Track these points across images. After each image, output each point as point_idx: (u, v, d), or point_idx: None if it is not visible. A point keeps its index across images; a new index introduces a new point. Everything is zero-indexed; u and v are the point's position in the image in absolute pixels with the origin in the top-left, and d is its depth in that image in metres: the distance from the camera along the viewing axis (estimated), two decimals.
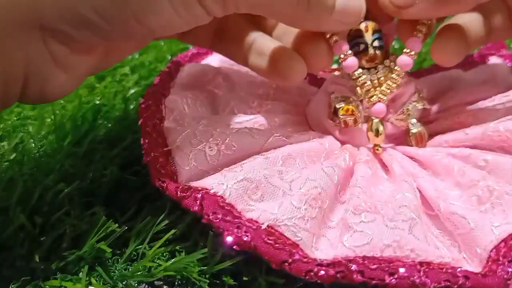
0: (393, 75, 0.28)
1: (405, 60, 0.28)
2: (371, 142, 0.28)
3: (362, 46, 0.29)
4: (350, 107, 0.29)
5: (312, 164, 0.27)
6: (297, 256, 0.21)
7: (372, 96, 0.28)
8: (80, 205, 0.27)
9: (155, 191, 0.25)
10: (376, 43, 0.29)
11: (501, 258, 0.22)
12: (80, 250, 0.23)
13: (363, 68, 0.29)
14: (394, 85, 0.28)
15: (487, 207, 0.24)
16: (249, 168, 0.25)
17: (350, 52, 0.28)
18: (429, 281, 0.21)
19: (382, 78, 0.29)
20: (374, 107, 0.28)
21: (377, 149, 0.28)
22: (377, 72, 0.29)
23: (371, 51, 0.29)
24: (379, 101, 0.28)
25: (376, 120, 0.28)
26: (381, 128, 0.28)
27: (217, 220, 0.22)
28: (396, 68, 0.28)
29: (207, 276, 0.23)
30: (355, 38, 0.29)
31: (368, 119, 0.29)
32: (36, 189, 0.26)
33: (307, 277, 0.21)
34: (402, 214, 0.24)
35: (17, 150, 0.29)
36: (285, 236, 0.22)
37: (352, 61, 0.28)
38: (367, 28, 0.29)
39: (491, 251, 0.22)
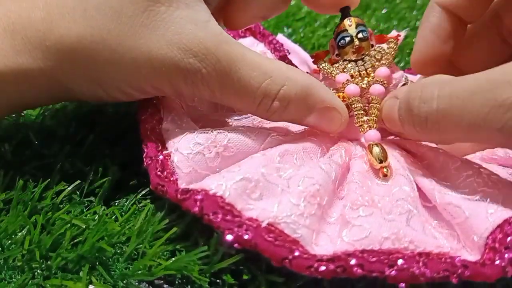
0: (373, 104, 0.29)
1: (379, 89, 0.29)
2: (375, 167, 0.27)
3: (347, 39, 0.30)
4: (341, 94, 0.29)
5: (309, 160, 0.27)
6: (297, 253, 0.21)
7: (361, 125, 0.28)
8: (80, 204, 0.27)
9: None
10: (360, 35, 0.30)
11: (497, 245, 0.22)
12: (81, 250, 0.23)
13: (350, 60, 0.30)
14: (377, 112, 0.29)
15: (481, 196, 0.24)
16: (247, 168, 0.25)
17: (349, 79, 0.29)
18: (428, 271, 0.21)
19: (369, 69, 0.30)
20: (367, 135, 0.28)
21: (386, 171, 0.26)
22: (364, 63, 0.30)
23: (356, 42, 0.30)
24: (370, 128, 0.28)
25: (377, 151, 0.27)
26: (382, 156, 0.26)
27: (218, 220, 0.22)
28: (373, 98, 0.29)
29: (207, 275, 0.23)
30: (340, 33, 0.31)
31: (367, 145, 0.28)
32: (37, 189, 0.26)
33: (308, 272, 0.21)
34: (399, 207, 0.24)
35: (17, 150, 0.29)
36: (285, 233, 0.22)
37: (353, 87, 0.29)
38: (351, 23, 0.31)
39: (487, 238, 0.22)
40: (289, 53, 0.39)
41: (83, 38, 0.24)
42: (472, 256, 0.23)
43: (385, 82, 0.29)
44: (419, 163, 0.27)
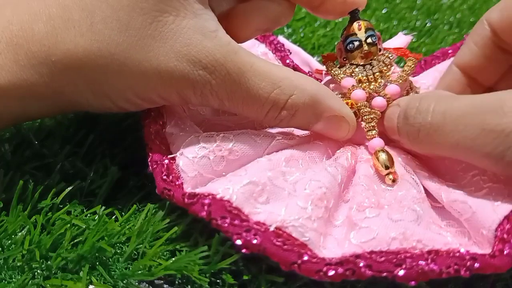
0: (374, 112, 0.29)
1: (381, 101, 0.29)
2: (381, 173, 0.27)
3: (356, 44, 0.30)
4: (349, 101, 0.29)
5: (314, 164, 0.27)
6: (306, 257, 0.21)
7: (369, 130, 0.28)
8: (80, 204, 0.27)
9: (155, 191, 0.25)
10: (369, 40, 0.30)
11: (505, 236, 0.22)
12: (81, 250, 0.23)
13: (358, 64, 0.30)
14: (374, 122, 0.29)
15: (487, 191, 0.24)
16: (254, 171, 0.25)
17: (355, 84, 0.29)
18: (437, 267, 0.21)
19: (377, 73, 0.29)
20: (371, 143, 0.28)
21: (393, 177, 0.26)
22: (372, 68, 0.30)
23: (365, 47, 0.30)
24: (376, 136, 0.28)
25: (383, 157, 0.27)
26: (389, 163, 0.26)
27: (226, 225, 0.22)
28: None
29: (207, 275, 0.23)
30: (349, 37, 0.30)
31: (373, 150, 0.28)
32: (37, 189, 0.26)
33: (317, 277, 0.21)
34: (405, 207, 0.24)
35: (17, 150, 0.29)
36: (293, 236, 0.22)
37: (359, 92, 0.29)
38: (360, 27, 0.30)
39: (496, 230, 0.22)
40: (290, 53, 0.38)
41: (90, 53, 0.23)
42: (483, 250, 0.23)
43: (389, 98, 0.29)
44: (424, 167, 0.27)
